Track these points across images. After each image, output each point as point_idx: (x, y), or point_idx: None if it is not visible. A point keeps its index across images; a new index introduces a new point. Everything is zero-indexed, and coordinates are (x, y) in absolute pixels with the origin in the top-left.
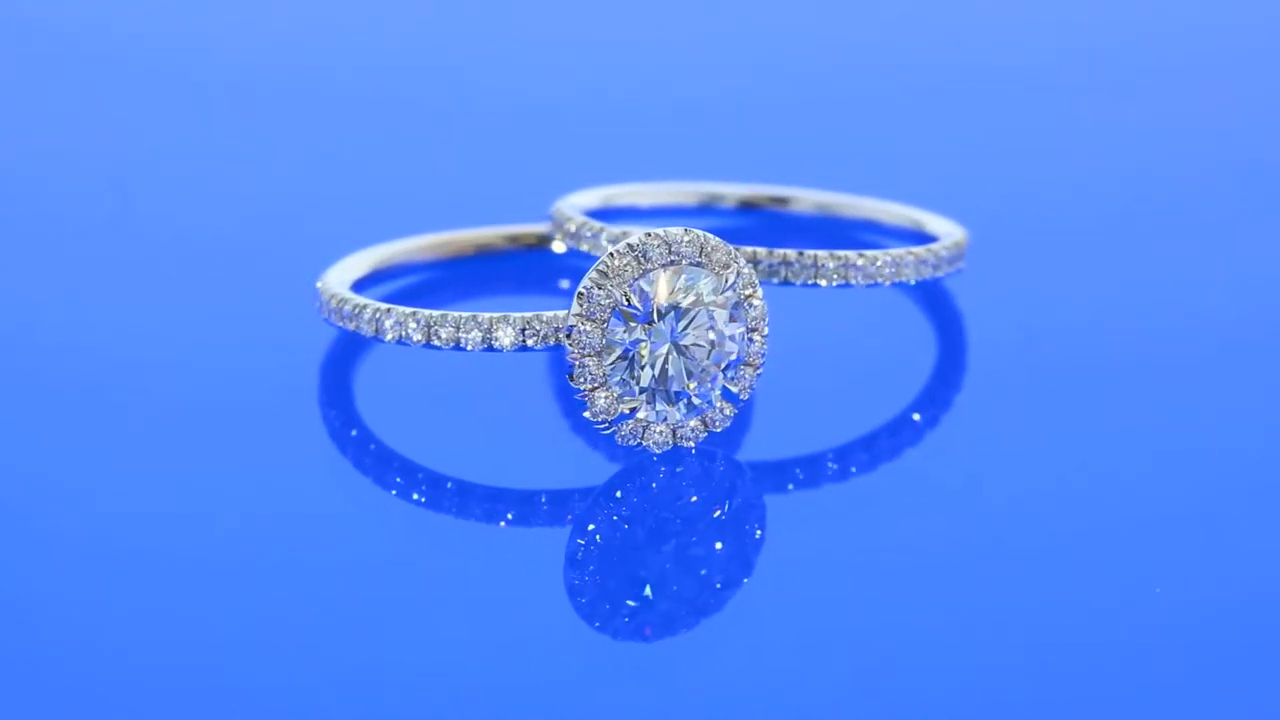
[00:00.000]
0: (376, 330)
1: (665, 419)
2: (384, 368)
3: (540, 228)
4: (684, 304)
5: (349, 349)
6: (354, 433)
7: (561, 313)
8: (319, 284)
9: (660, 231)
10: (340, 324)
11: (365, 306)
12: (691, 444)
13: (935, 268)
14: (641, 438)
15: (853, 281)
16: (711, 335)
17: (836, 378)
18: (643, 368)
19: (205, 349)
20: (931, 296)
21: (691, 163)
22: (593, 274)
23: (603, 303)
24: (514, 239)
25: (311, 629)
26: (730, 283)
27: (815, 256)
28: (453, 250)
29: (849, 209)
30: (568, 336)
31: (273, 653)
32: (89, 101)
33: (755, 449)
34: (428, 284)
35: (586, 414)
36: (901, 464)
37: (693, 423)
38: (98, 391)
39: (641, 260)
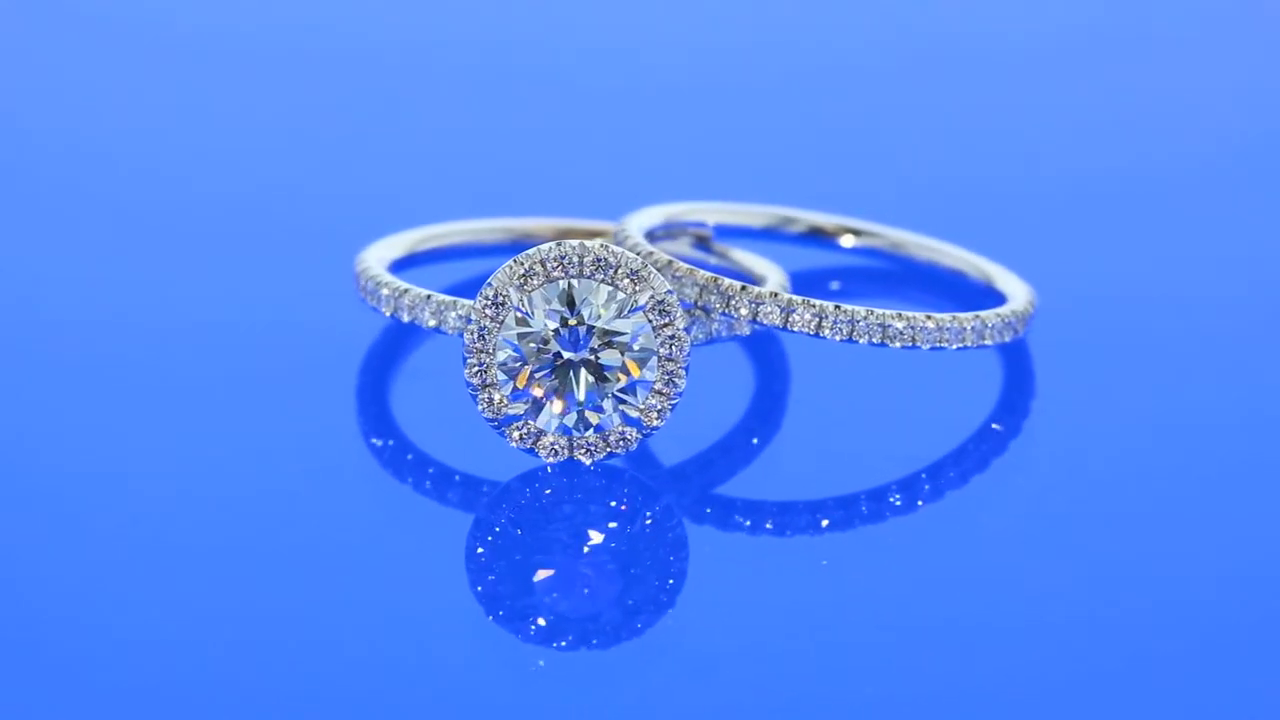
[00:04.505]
0: (374, 300)
1: (565, 430)
2: (430, 351)
3: (592, 224)
4: (584, 319)
5: (399, 330)
6: (384, 442)
7: (468, 301)
8: (357, 258)
9: (574, 243)
10: (362, 296)
11: (372, 278)
12: (588, 458)
13: (1001, 333)
14: (534, 444)
15: (920, 345)
16: (612, 355)
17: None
18: (535, 375)
19: (247, 319)
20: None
21: (788, 182)
22: (498, 274)
23: (500, 304)
24: (564, 233)
25: (303, 615)
26: (640, 304)
27: (884, 316)
28: (496, 236)
29: (922, 251)
30: (466, 329)
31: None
32: (149, 74)
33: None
34: (466, 266)
35: (479, 408)
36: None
37: (591, 437)
38: (152, 364)
39: (544, 268)
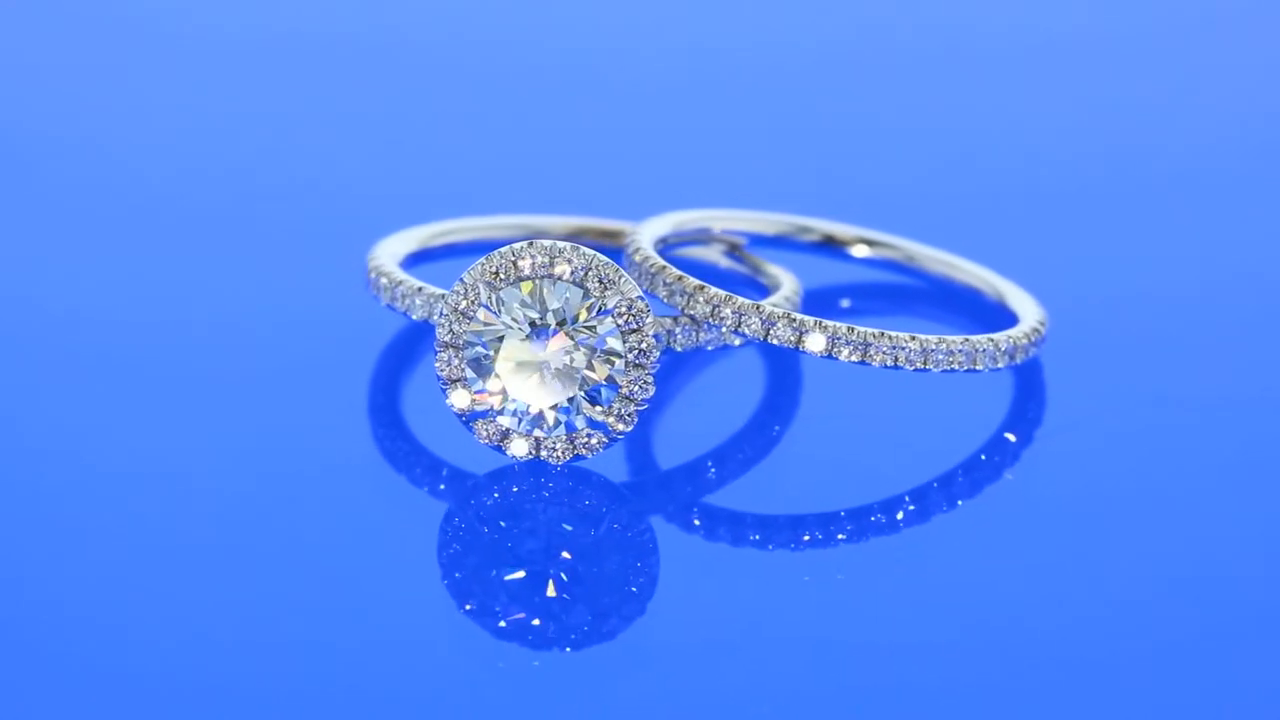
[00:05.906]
0: (375, 290)
1: (530, 430)
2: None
3: (607, 223)
4: (552, 320)
5: (417, 323)
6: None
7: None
8: (369, 252)
9: (546, 243)
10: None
11: (374, 268)
12: (554, 460)
13: (995, 359)
14: (501, 442)
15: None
16: (578, 357)
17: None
18: (503, 373)
19: (266, 312)
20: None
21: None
22: (470, 270)
23: (470, 300)
24: (577, 230)
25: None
26: (609, 307)
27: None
28: (509, 233)
29: (936, 265)
30: (438, 323)
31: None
32: (164, 72)
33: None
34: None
35: (447, 402)
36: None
37: (558, 437)
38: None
39: (516, 267)
